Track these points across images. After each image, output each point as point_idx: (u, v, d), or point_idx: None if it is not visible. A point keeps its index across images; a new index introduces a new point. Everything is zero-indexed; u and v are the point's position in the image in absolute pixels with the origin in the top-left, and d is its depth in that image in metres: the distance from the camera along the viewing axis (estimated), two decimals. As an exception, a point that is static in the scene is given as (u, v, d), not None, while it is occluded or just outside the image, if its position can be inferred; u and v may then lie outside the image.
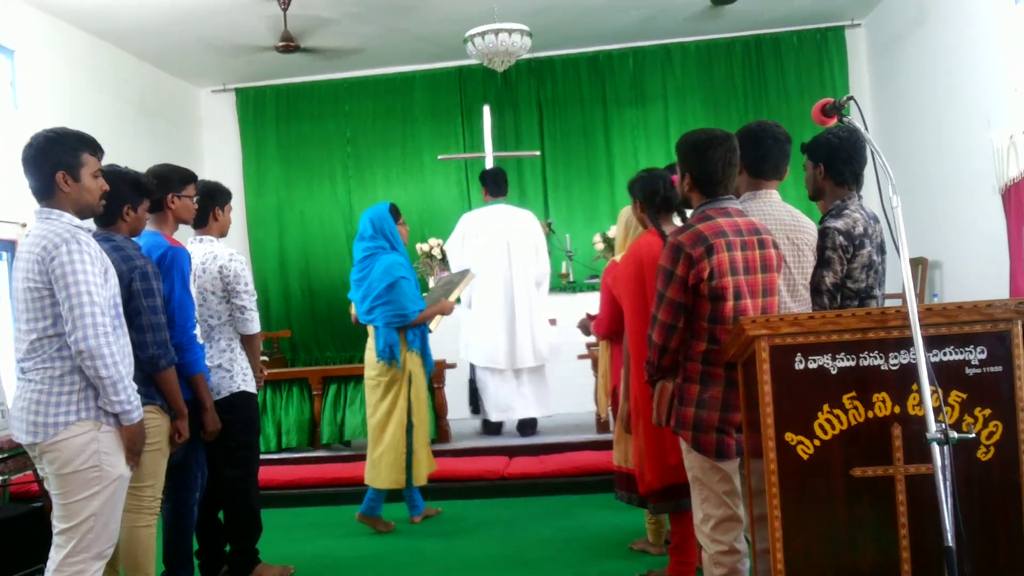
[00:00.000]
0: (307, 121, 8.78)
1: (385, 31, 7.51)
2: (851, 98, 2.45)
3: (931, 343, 2.22)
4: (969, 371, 2.25)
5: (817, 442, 2.25)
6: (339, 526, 4.73)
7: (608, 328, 3.57)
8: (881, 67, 7.86)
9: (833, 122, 2.41)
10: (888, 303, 2.94)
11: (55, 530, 2.59)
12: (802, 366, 2.26)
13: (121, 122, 7.32)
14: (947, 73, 6.38)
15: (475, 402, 5.99)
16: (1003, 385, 2.25)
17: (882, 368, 2.25)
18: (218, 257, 3.58)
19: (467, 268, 5.17)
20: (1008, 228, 5.34)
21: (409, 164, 8.62)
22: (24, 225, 5.75)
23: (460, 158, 8.18)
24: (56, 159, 2.60)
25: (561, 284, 7.48)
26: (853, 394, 2.25)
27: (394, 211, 4.42)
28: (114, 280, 2.70)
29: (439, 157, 8.05)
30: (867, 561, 2.24)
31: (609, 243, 7.13)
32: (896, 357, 2.25)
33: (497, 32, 6.21)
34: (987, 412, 2.25)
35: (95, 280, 2.54)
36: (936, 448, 2.01)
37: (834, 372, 2.26)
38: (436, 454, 4.79)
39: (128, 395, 2.59)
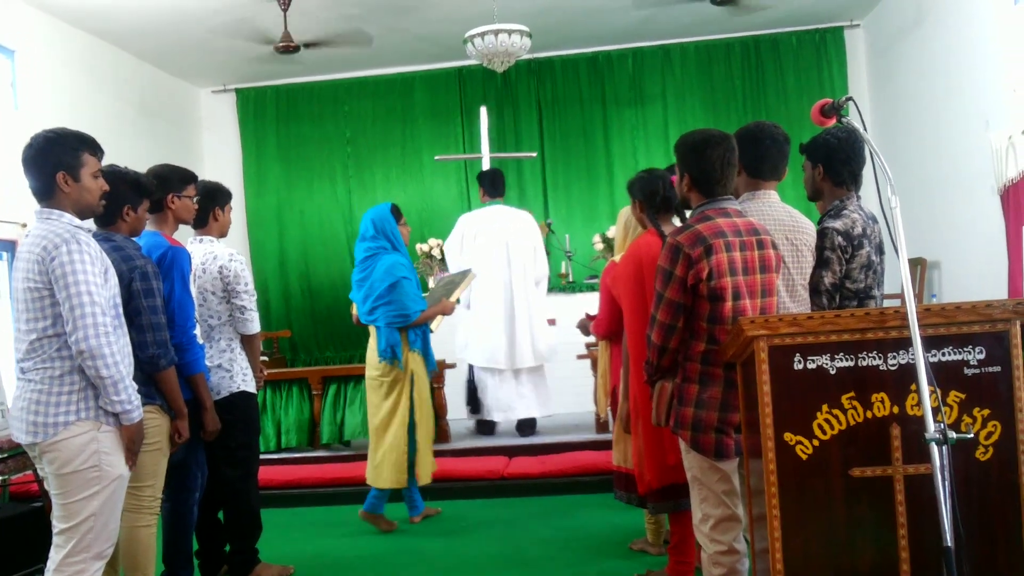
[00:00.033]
0: (307, 121, 8.79)
1: (385, 31, 7.51)
2: (850, 99, 2.46)
3: (930, 343, 2.22)
4: (968, 371, 2.26)
5: (816, 442, 2.26)
6: (339, 526, 4.73)
7: (607, 328, 3.58)
8: (880, 68, 7.86)
9: (832, 123, 2.42)
10: (887, 303, 2.94)
11: (55, 530, 2.59)
12: (801, 366, 2.27)
13: (121, 122, 7.32)
14: (946, 74, 6.38)
15: (473, 402, 6.00)
16: (1002, 385, 2.25)
17: (881, 368, 2.26)
18: (218, 257, 3.59)
19: (468, 268, 5.18)
20: (1007, 228, 5.34)
21: (409, 164, 8.63)
22: (24, 225, 5.75)
23: (457, 159, 8.19)
24: (56, 159, 2.60)
25: (560, 284, 7.49)
26: (852, 394, 2.26)
27: (395, 212, 4.43)
28: (114, 280, 2.71)
29: (436, 158, 8.06)
30: (866, 561, 2.24)
31: (608, 243, 7.14)
32: (895, 357, 2.26)
33: (497, 33, 6.22)
34: (986, 412, 2.25)
35: (95, 280, 2.55)
36: (935, 448, 2.01)
37: (833, 372, 2.26)
38: (436, 454, 4.79)
39: (129, 395, 2.60)
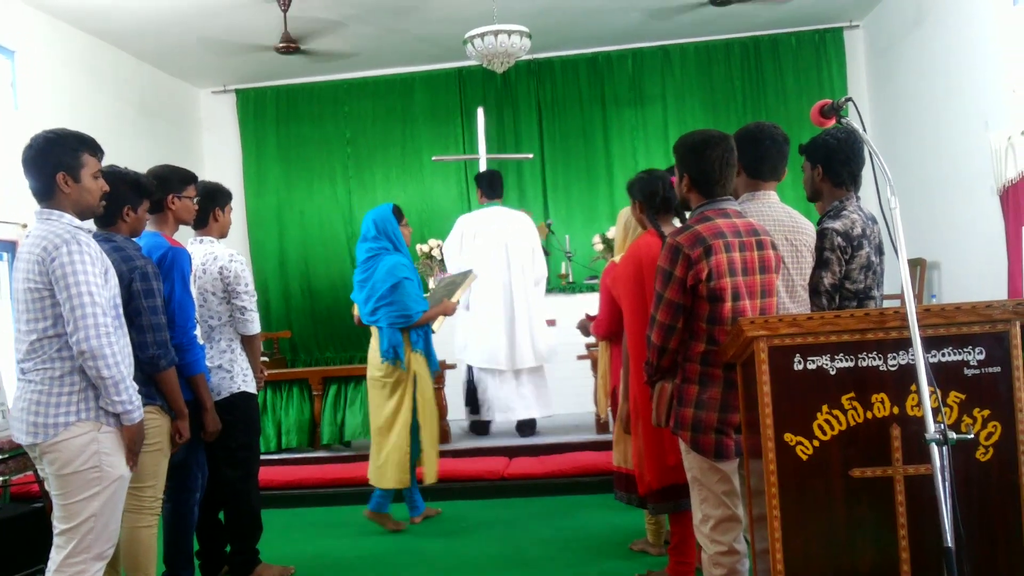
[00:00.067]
0: (307, 122, 8.79)
1: (385, 32, 7.52)
2: (849, 99, 2.46)
3: (930, 344, 2.22)
4: (968, 372, 2.26)
5: (816, 443, 2.26)
6: (339, 526, 4.73)
7: (607, 329, 3.58)
8: (879, 68, 7.87)
9: (832, 123, 2.42)
10: (886, 304, 2.95)
11: (55, 531, 2.59)
12: (801, 367, 2.27)
13: (121, 123, 7.33)
14: (945, 74, 6.39)
15: (473, 403, 6.00)
16: (1002, 386, 2.25)
17: (881, 369, 2.26)
18: (218, 258, 3.59)
19: (469, 269, 5.18)
20: (1006, 229, 5.34)
21: (409, 165, 8.63)
22: (24, 226, 5.75)
23: (454, 160, 8.19)
24: (56, 160, 2.60)
25: (560, 285, 7.49)
26: (852, 395, 2.26)
27: (397, 212, 4.43)
28: (114, 281, 2.71)
29: (433, 158, 8.07)
30: (866, 561, 2.24)
31: (608, 244, 7.14)
32: (895, 358, 2.26)
33: (497, 33, 6.22)
34: (986, 413, 2.25)
35: (96, 280, 2.55)
36: (935, 449, 2.01)
37: (833, 373, 2.27)
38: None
39: (130, 395, 2.60)
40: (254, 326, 3.67)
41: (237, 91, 8.87)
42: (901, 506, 2.23)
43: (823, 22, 8.13)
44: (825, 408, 2.26)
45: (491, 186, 5.93)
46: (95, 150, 2.69)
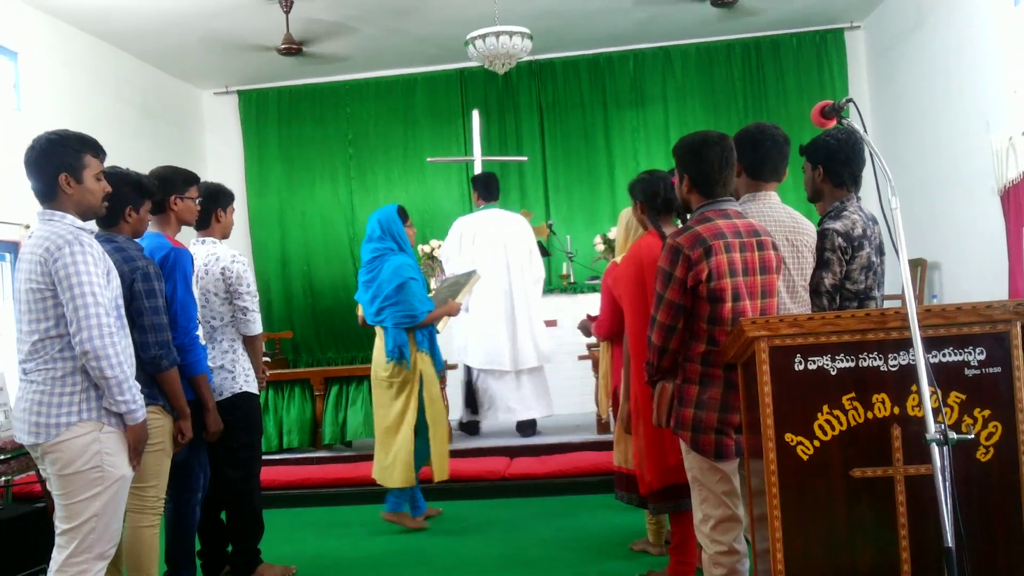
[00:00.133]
0: (309, 123, 8.81)
1: (386, 33, 7.53)
2: (850, 100, 2.46)
3: (930, 344, 2.22)
4: (968, 372, 2.26)
5: (817, 443, 2.26)
6: (341, 526, 4.74)
7: (609, 329, 3.58)
8: (880, 69, 7.87)
9: (832, 124, 2.42)
10: (887, 304, 2.95)
11: (57, 530, 2.60)
12: (802, 367, 2.27)
13: (123, 124, 7.34)
14: (946, 75, 6.39)
15: (472, 404, 6.01)
16: (1002, 386, 2.26)
17: (881, 369, 2.26)
18: (220, 258, 3.60)
19: (473, 269, 5.19)
20: (1007, 229, 5.35)
21: (410, 166, 8.64)
22: (27, 227, 5.77)
23: (450, 161, 8.19)
24: (58, 161, 2.61)
25: (562, 285, 7.50)
26: (852, 395, 2.26)
27: (402, 213, 4.43)
28: (116, 281, 2.71)
29: (428, 160, 8.09)
30: (866, 562, 2.24)
31: (610, 244, 7.15)
32: (895, 358, 2.26)
33: (498, 35, 6.23)
34: (986, 413, 2.26)
35: (98, 281, 2.55)
36: (935, 449, 2.01)
37: (833, 373, 2.27)
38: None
39: (133, 395, 2.61)
40: (256, 326, 3.67)
41: (239, 92, 8.88)
42: (902, 506, 2.23)
43: (824, 23, 8.13)
44: (826, 408, 2.26)
45: (487, 188, 5.95)
46: (97, 151, 2.70)
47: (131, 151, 5.96)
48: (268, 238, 8.84)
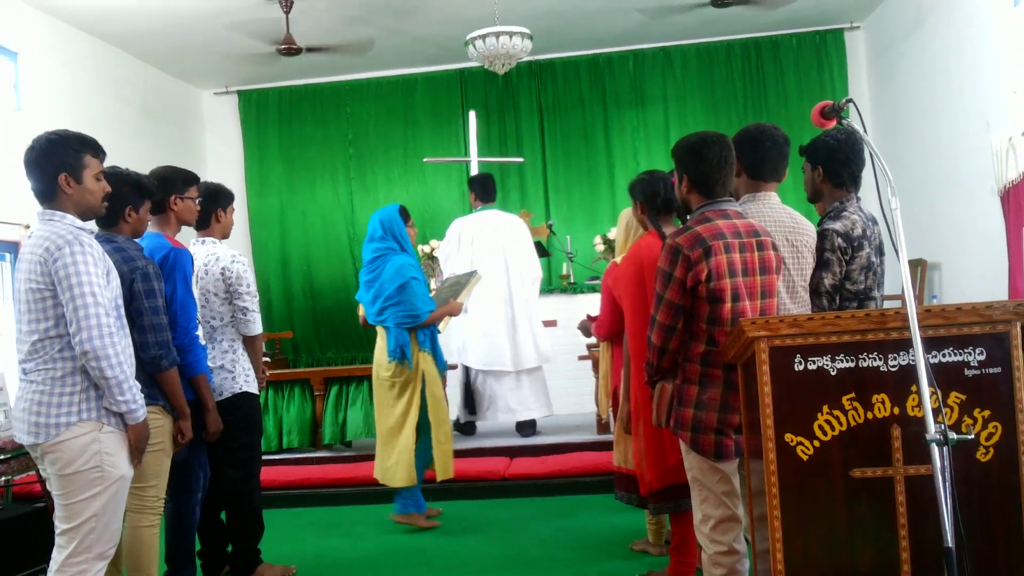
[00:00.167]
0: (309, 123, 8.81)
1: (386, 33, 7.53)
2: (850, 101, 2.47)
3: (930, 344, 2.23)
4: (968, 372, 2.26)
5: (817, 443, 2.26)
6: (341, 526, 4.74)
7: (609, 329, 3.58)
8: (880, 69, 7.87)
9: (832, 124, 2.42)
10: (887, 304, 2.95)
11: (57, 530, 2.60)
12: (801, 367, 2.27)
13: (123, 124, 7.34)
14: (946, 75, 6.39)
15: (470, 404, 6.01)
16: (1002, 386, 2.26)
17: (881, 369, 2.26)
18: (220, 258, 3.60)
19: (474, 270, 5.19)
20: (1007, 230, 5.35)
21: (410, 166, 8.64)
22: (27, 227, 5.77)
23: (446, 162, 8.19)
24: (58, 161, 2.61)
25: (562, 285, 7.50)
26: (852, 395, 2.26)
27: (403, 213, 4.43)
28: (116, 281, 2.71)
29: (425, 160, 8.09)
30: (866, 562, 2.24)
31: (610, 244, 7.15)
32: (895, 358, 2.26)
33: (498, 35, 6.23)
34: (986, 413, 2.26)
35: (98, 281, 2.55)
36: (935, 449, 2.01)
37: (833, 373, 2.27)
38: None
39: (133, 394, 2.61)
40: (256, 327, 3.67)
41: (239, 92, 8.89)
42: (901, 506, 2.23)
43: (824, 23, 8.13)
44: (826, 408, 2.27)
45: (485, 189, 5.96)
46: (97, 151, 2.70)
47: (131, 151, 5.96)
48: (268, 238, 8.84)
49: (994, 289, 5.44)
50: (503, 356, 5.83)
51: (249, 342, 3.69)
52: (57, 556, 2.58)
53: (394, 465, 4.35)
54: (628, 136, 8.48)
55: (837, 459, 2.26)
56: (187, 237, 3.55)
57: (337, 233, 8.75)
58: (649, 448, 3.25)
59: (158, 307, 3.00)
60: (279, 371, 6.34)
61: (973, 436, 2.22)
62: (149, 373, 2.99)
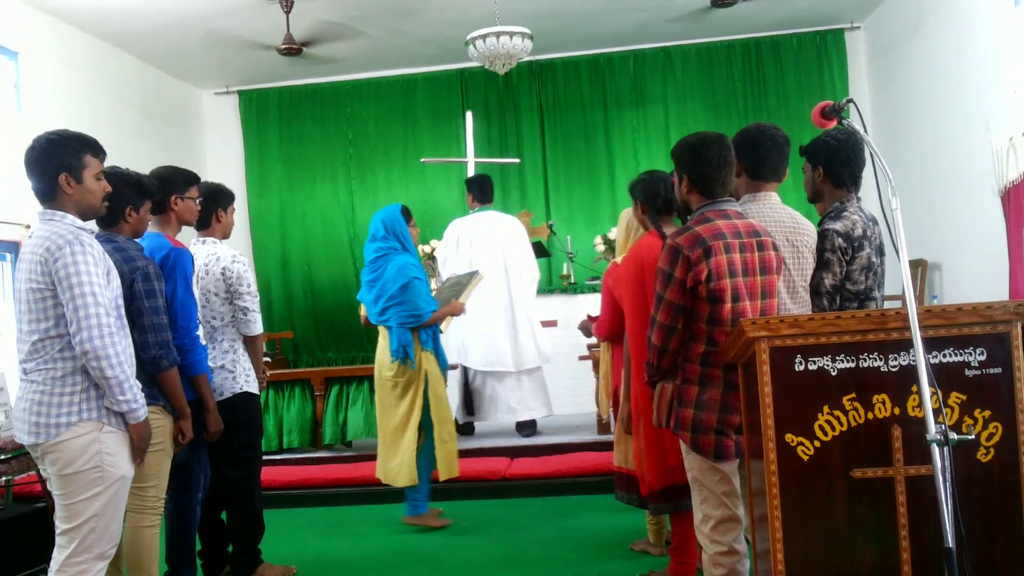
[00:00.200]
0: (309, 123, 8.81)
1: (387, 34, 7.53)
2: (850, 101, 2.46)
3: (931, 345, 2.23)
4: (969, 373, 2.26)
5: (817, 443, 2.26)
6: (341, 526, 4.74)
7: (609, 329, 3.58)
8: (881, 69, 7.87)
9: (833, 125, 2.42)
10: (887, 305, 2.95)
11: (58, 530, 2.60)
12: (802, 367, 2.27)
13: (124, 124, 7.34)
14: (946, 75, 6.39)
15: (468, 405, 6.01)
16: (1003, 387, 2.26)
17: (882, 369, 2.26)
18: (221, 259, 3.60)
19: (475, 270, 5.19)
20: (1008, 230, 5.35)
21: (411, 166, 8.64)
22: (27, 227, 5.77)
23: (442, 162, 8.18)
24: (58, 161, 2.61)
25: (562, 286, 7.50)
26: (853, 395, 2.26)
27: (406, 212, 4.43)
28: (116, 281, 2.71)
29: (422, 160, 8.09)
30: (867, 562, 2.25)
31: (610, 245, 7.15)
32: (896, 359, 2.26)
33: (498, 35, 6.23)
34: (987, 414, 2.26)
35: (99, 281, 2.56)
36: (936, 449, 2.01)
37: (834, 373, 2.27)
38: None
39: (134, 394, 2.61)
40: (256, 327, 3.67)
41: (240, 92, 8.89)
42: (902, 507, 2.23)
43: (824, 23, 8.13)
44: (826, 409, 2.27)
45: (482, 190, 5.96)
46: (97, 151, 2.70)
47: (131, 151, 5.96)
48: (268, 238, 8.84)
49: (994, 289, 5.44)
50: (504, 356, 5.83)
51: (250, 342, 3.69)
52: (58, 556, 2.58)
53: (398, 465, 4.35)
54: (628, 136, 8.48)
55: (838, 459, 2.26)
56: (188, 237, 3.55)
57: (337, 233, 8.75)
58: (649, 448, 3.25)
59: (158, 307, 3.00)
60: (280, 371, 6.34)
61: (974, 436, 2.22)
62: (149, 373, 2.99)
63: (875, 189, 2.72)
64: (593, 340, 4.64)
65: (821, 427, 2.26)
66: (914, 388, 2.21)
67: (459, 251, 5.88)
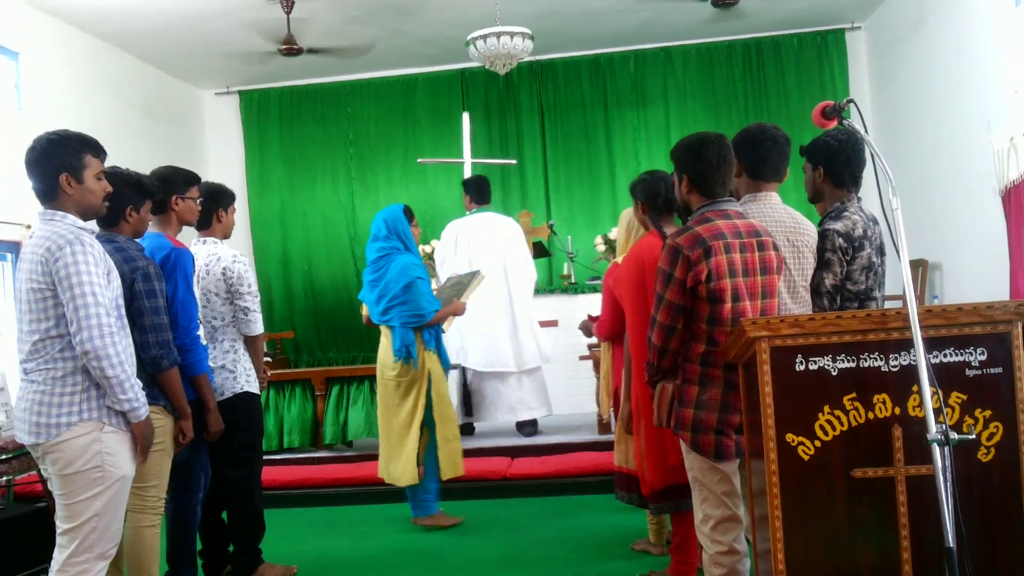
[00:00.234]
0: (310, 123, 8.81)
1: (387, 34, 7.53)
2: (851, 101, 2.46)
3: (931, 344, 2.23)
4: (969, 372, 2.26)
5: (818, 443, 2.26)
6: (342, 526, 4.74)
7: (610, 329, 3.58)
8: (881, 69, 7.87)
9: (833, 125, 2.42)
10: (888, 305, 2.95)
11: (58, 530, 2.60)
12: (803, 367, 2.27)
13: (124, 124, 7.34)
14: (947, 75, 6.39)
15: (467, 406, 6.02)
16: (1003, 386, 2.26)
17: (882, 369, 2.26)
18: (222, 259, 3.60)
19: (477, 269, 5.19)
20: (1008, 230, 5.34)
21: (411, 166, 8.63)
22: (28, 227, 5.77)
23: (439, 163, 8.18)
24: (59, 161, 2.61)
25: (563, 286, 7.50)
26: (853, 395, 2.26)
27: (408, 212, 4.43)
28: (117, 281, 2.72)
29: (419, 160, 8.09)
30: (867, 562, 2.25)
31: (610, 245, 7.15)
32: (896, 358, 2.26)
33: (499, 35, 6.23)
34: (987, 413, 2.26)
35: (99, 281, 2.56)
36: (936, 449, 2.01)
37: (834, 373, 2.27)
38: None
39: (136, 392, 2.61)
40: (257, 327, 3.68)
41: (240, 92, 8.89)
42: (903, 506, 2.23)
43: (825, 23, 8.13)
44: (827, 408, 2.27)
45: (479, 191, 5.96)
46: (98, 151, 2.70)
47: (132, 151, 5.96)
48: (269, 238, 8.84)
49: (995, 289, 5.44)
50: (505, 356, 5.84)
51: (250, 342, 3.69)
52: (58, 556, 2.58)
53: (403, 465, 4.36)
54: (629, 136, 8.48)
55: (838, 459, 2.26)
56: (188, 237, 3.55)
57: (338, 233, 8.75)
58: (650, 448, 3.25)
59: (159, 307, 3.00)
60: (280, 371, 6.35)
61: (974, 436, 2.22)
62: (150, 373, 2.99)
63: (876, 189, 2.72)
64: (594, 340, 4.63)
65: (822, 427, 2.26)
66: (915, 388, 2.21)
67: (457, 252, 5.88)
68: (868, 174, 2.78)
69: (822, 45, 8.23)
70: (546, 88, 8.57)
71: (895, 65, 7.49)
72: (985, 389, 2.26)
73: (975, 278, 6.05)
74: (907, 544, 2.23)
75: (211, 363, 3.50)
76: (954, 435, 2.03)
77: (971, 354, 2.26)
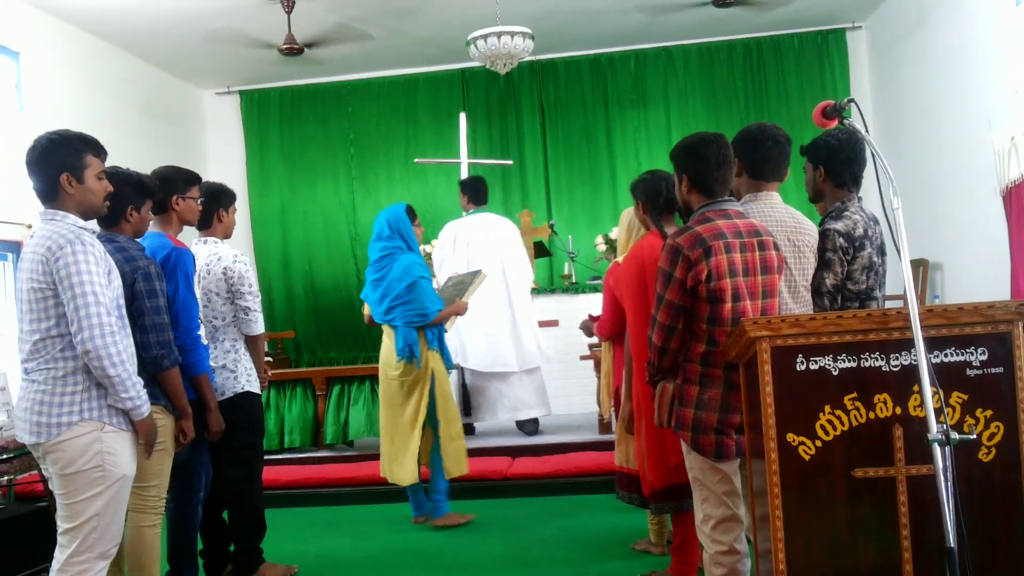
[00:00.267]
0: (310, 123, 8.82)
1: (388, 33, 7.53)
2: (852, 101, 2.46)
3: (932, 344, 2.22)
4: (970, 372, 2.26)
5: (819, 443, 2.26)
6: (342, 526, 4.74)
7: (610, 329, 3.59)
8: (882, 69, 7.86)
9: (834, 124, 2.42)
10: (889, 304, 2.95)
11: (59, 530, 2.60)
12: (803, 367, 2.27)
13: (125, 124, 7.35)
14: (948, 75, 6.38)
15: (466, 406, 6.02)
16: (1004, 386, 2.26)
17: (883, 369, 2.26)
18: (222, 258, 3.60)
19: (478, 269, 5.19)
20: (1009, 229, 5.34)
21: (412, 166, 8.63)
22: (29, 226, 5.77)
23: (437, 163, 8.18)
24: (60, 161, 2.61)
25: (563, 285, 7.50)
26: (854, 395, 2.26)
27: (410, 212, 4.43)
28: (118, 281, 2.72)
29: (416, 160, 8.09)
30: (868, 562, 2.24)
31: (611, 244, 7.15)
32: (897, 358, 2.26)
33: (500, 35, 6.23)
34: (988, 413, 2.25)
35: (100, 280, 2.56)
36: (937, 449, 2.01)
37: (835, 373, 2.27)
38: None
39: (137, 391, 2.61)
40: (258, 326, 3.68)
41: (241, 92, 8.90)
42: (903, 506, 2.23)
43: (826, 23, 8.13)
44: (827, 408, 2.26)
45: (476, 192, 5.96)
46: (98, 151, 2.70)
47: (133, 151, 5.96)
48: (270, 238, 8.85)
49: (996, 289, 5.44)
50: (506, 356, 5.84)
51: (251, 342, 3.69)
52: (59, 555, 2.58)
53: (409, 463, 4.36)
54: (630, 136, 8.48)
55: (839, 459, 2.25)
56: (189, 237, 3.55)
57: (339, 233, 8.76)
58: (651, 448, 3.25)
59: (160, 307, 3.00)
60: (281, 371, 6.35)
61: (975, 436, 2.22)
62: (151, 373, 2.99)
63: (876, 188, 2.72)
64: (594, 340, 4.64)
65: (822, 427, 2.26)
66: (915, 388, 2.21)
67: (456, 252, 5.89)
68: (869, 174, 2.78)
69: (823, 45, 8.23)
70: (547, 88, 8.57)
71: (896, 65, 7.49)
72: (986, 389, 2.25)
73: (976, 278, 6.05)
74: (908, 544, 2.22)
75: (212, 363, 3.50)
76: (955, 435, 2.02)
77: (972, 354, 2.26)
